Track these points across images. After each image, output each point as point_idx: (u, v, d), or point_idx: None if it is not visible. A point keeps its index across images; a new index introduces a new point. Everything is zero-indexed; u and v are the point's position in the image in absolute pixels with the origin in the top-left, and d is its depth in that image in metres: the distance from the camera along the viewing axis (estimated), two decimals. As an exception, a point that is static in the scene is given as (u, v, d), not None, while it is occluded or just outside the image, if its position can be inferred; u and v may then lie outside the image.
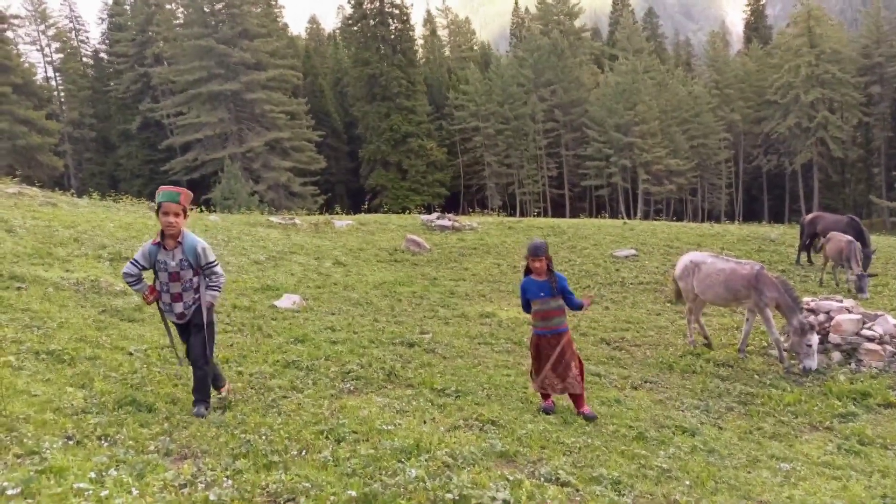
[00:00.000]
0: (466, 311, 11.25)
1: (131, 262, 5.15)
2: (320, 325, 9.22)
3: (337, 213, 26.37)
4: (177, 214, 5.03)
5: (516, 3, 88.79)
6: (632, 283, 14.06)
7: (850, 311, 8.88)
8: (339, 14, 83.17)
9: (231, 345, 7.58)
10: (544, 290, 6.12)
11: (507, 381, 7.13)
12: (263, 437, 4.48)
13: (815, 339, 7.88)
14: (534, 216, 45.59)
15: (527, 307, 6.32)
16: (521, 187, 62.92)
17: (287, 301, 10.57)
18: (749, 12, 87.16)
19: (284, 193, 54.16)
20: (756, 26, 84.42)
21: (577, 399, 6.17)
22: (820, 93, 58.48)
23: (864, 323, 8.60)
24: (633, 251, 17.00)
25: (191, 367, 5.30)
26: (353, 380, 6.56)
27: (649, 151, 57.69)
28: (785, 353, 8.36)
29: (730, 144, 65.09)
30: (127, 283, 5.19)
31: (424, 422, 5.26)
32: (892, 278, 14.24)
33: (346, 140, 67.45)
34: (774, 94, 61.82)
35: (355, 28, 63.52)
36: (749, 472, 4.87)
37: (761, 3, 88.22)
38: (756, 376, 7.98)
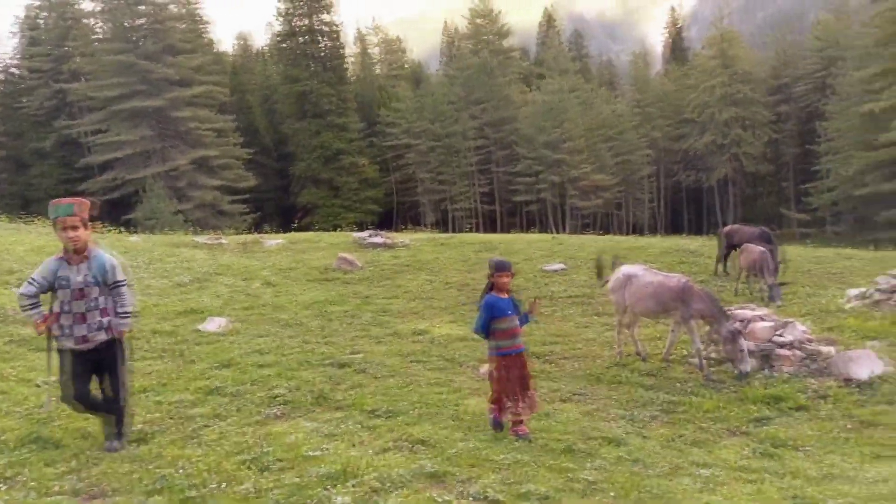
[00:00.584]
0: (399, 329, 11.18)
1: (28, 282, 4.65)
2: (247, 349, 8.96)
3: (267, 232, 25.85)
4: (75, 228, 4.61)
5: (446, 22, 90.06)
6: (561, 297, 14.32)
7: (763, 319, 9.32)
8: (268, 31, 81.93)
9: (150, 373, 7.26)
10: (510, 307, 6.04)
11: (439, 399, 7.10)
12: (181, 471, 4.28)
13: (745, 343, 8.23)
14: (466, 232, 46.02)
15: (485, 327, 6.08)
16: (454, 203, 63.45)
17: (212, 324, 10.23)
18: (668, 35, 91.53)
19: (212, 212, 52.64)
20: (675, 48, 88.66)
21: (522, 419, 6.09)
22: (733, 111, 61.78)
23: (776, 330, 9.05)
24: (562, 265, 17.35)
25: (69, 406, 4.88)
26: (280, 404, 6.39)
27: (577, 167, 59.35)
28: (704, 362, 8.68)
29: (652, 160, 67.75)
30: (22, 306, 4.68)
31: (354, 445, 5.17)
32: (800, 286, 15.07)
33: (277, 157, 66.37)
34: (692, 112, 64.92)
35: (285, 45, 62.85)
36: (671, 480, 5.01)
37: (679, 26, 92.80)
38: (678, 385, 8.24)
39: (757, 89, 64.66)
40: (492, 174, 66.00)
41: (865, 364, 8.09)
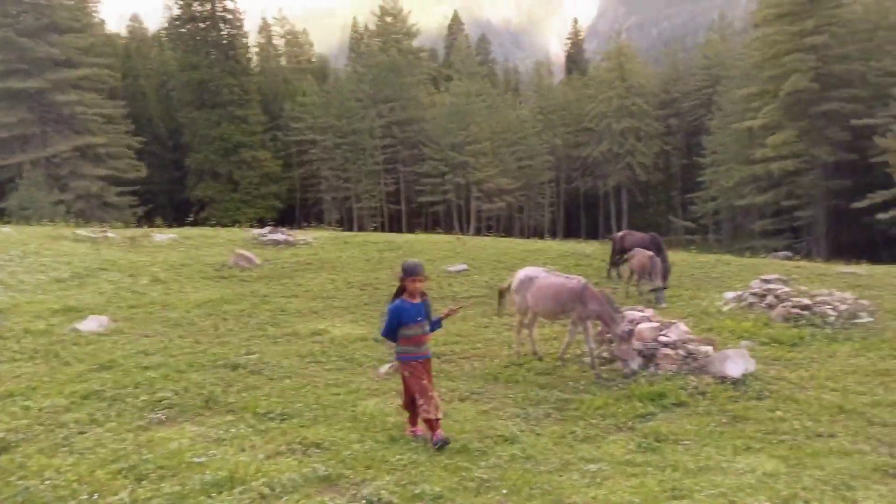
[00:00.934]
0: (298, 328, 10.91)
1: None
2: (131, 350, 8.44)
3: (158, 226, 24.48)
4: None
5: (355, 19, 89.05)
6: (463, 297, 14.48)
7: (649, 320, 9.83)
8: (164, 14, 77.91)
9: (18, 376, 6.68)
10: (420, 313, 5.87)
11: (336, 401, 6.98)
12: (47, 482, 3.95)
13: (635, 343, 8.66)
14: (371, 231, 45.69)
15: (392, 333, 5.95)
16: (359, 202, 62.85)
17: (92, 323, 9.56)
18: (569, 45, 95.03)
19: (97, 204, 49.27)
20: (575, 59, 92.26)
21: (419, 421, 6.03)
22: (629, 122, 65.00)
23: (660, 330, 9.56)
24: (464, 266, 17.56)
25: None
26: (165, 408, 6.05)
27: (481, 170, 60.41)
28: (596, 361, 9.03)
29: (552, 166, 70.07)
30: None
31: (243, 450, 4.97)
32: (684, 290, 16.03)
33: (172, 148, 63.16)
34: (591, 121, 67.76)
35: (183, 30, 59.92)
36: (561, 476, 5.17)
37: (580, 37, 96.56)
38: (571, 383, 8.53)
39: (650, 102, 68.39)
40: (398, 173, 65.94)
41: (739, 362, 8.70)
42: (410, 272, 5.86)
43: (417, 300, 5.90)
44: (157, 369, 7.45)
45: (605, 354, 9.65)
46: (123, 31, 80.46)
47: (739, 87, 55.60)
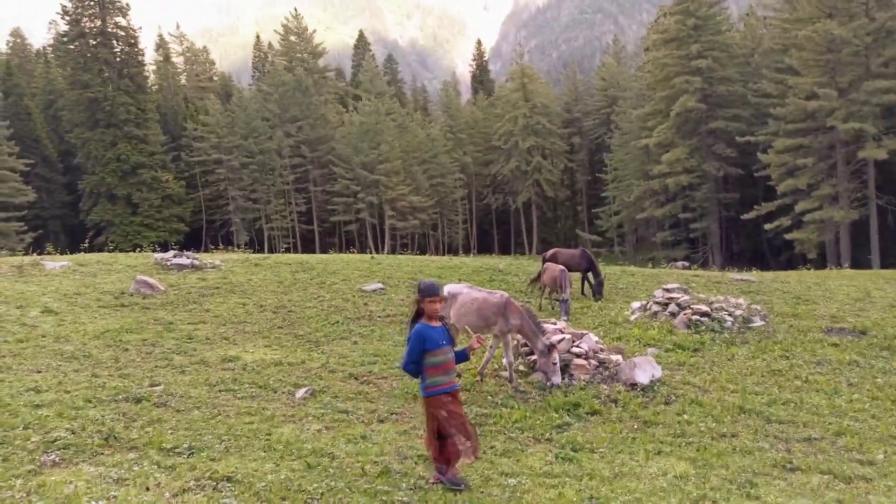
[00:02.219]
0: (206, 356, 10.40)
1: None
2: (20, 387, 7.77)
3: (50, 253, 22.87)
4: None
5: (258, 37, 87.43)
6: (379, 316, 14.34)
7: (562, 332, 10.10)
8: (51, 29, 73.49)
9: None
10: (444, 337, 5.32)
11: (249, 430, 6.69)
12: (-80, 541, 3.55)
13: (557, 357, 8.80)
14: (282, 252, 44.61)
15: (415, 363, 5.28)
16: (269, 222, 61.32)
17: (-27, 361, 8.74)
18: (475, 66, 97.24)
19: (-22, 231, 45.57)
20: (481, 79, 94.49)
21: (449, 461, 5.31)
22: (534, 141, 67.12)
23: (573, 342, 9.84)
24: (380, 285, 17.42)
25: None
26: (59, 449, 5.59)
27: (394, 189, 60.47)
28: (514, 374, 9.15)
29: (464, 184, 71.19)
30: None
31: (147, 489, 4.66)
32: (593, 301, 16.61)
33: (63, 170, 59.45)
34: (498, 140, 69.48)
35: (72, 46, 56.73)
36: (481, 493, 5.17)
37: (485, 59, 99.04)
38: (490, 397, 8.60)
39: (554, 121, 70.97)
40: (309, 193, 64.93)
41: (647, 369, 9.08)
42: (427, 292, 5.32)
43: (438, 323, 5.38)
44: (49, 407, 6.89)
45: (521, 367, 9.80)
46: (3, 47, 75.25)
47: (635, 108, 58.78)
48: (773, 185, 45.32)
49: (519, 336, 9.57)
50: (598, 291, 16.13)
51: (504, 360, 9.32)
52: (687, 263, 34.95)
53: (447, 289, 9.91)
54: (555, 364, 8.71)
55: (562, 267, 15.32)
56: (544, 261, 18.54)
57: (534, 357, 9.81)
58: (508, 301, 9.14)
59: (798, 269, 32.97)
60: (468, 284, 10.37)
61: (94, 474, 4.95)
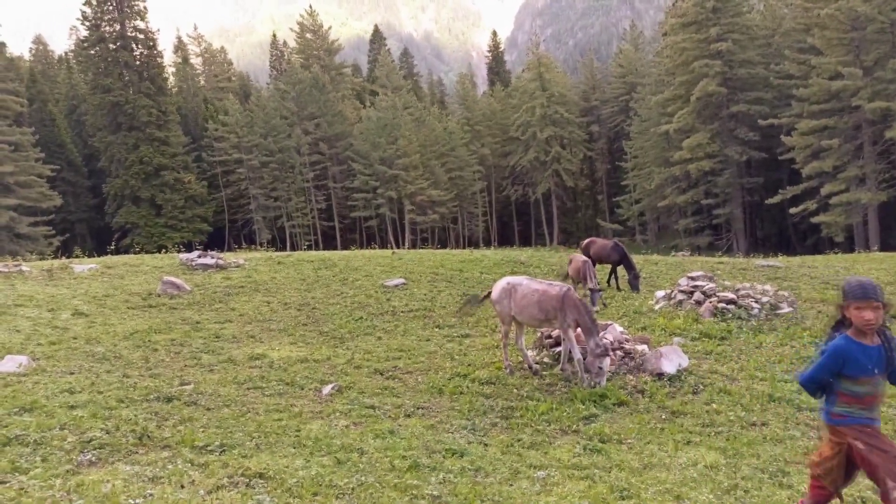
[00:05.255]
0: (234, 354, 10.55)
1: None
2: (55, 389, 7.95)
3: (77, 257, 23.30)
4: None
5: (274, 36, 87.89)
6: (402, 312, 14.40)
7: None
8: (71, 35, 74.65)
9: (-73, 427, 6.17)
10: (876, 362, 3.80)
11: (278, 427, 6.77)
12: (-32, 541, 3.66)
13: (607, 361, 8.40)
14: (304, 249, 44.95)
15: (818, 382, 3.98)
16: (291, 220, 61.79)
17: (10, 364, 8.97)
18: (490, 57, 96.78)
19: (8, 236, 46.53)
20: (497, 70, 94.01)
21: None
22: (552, 130, 66.69)
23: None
24: (402, 280, 17.49)
25: None
26: (95, 449, 5.72)
27: (412, 183, 60.54)
28: (583, 370, 8.68)
29: (483, 176, 71.03)
30: None
31: (182, 486, 4.75)
32: (617, 290, 16.50)
33: (87, 174, 60.47)
34: (516, 131, 69.15)
35: (93, 52, 57.56)
36: (511, 486, 5.18)
37: (500, 49, 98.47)
38: (515, 390, 8.59)
39: (572, 110, 70.41)
40: (329, 190, 65.27)
41: (673, 359, 9.00)
42: (857, 294, 3.79)
43: (871, 341, 3.83)
44: (84, 408, 7.05)
45: (545, 360, 9.77)
46: (27, 54, 76.58)
47: (654, 94, 58.05)
48: (797, 168, 44.56)
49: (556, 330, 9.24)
50: (634, 286, 16.06)
51: (574, 356, 8.79)
52: (687, 253, 34.43)
53: (507, 280, 9.55)
54: (601, 368, 8.27)
55: (585, 258, 15.24)
56: (580, 249, 18.42)
57: (558, 349, 9.77)
58: (567, 293, 8.70)
59: (825, 254, 32.42)
60: (528, 276, 9.93)
61: (129, 473, 5.06)
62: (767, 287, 13.15)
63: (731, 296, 12.33)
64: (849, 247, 40.08)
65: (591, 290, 13.71)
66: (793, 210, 44.81)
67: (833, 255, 27.43)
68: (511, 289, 9.31)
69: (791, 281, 16.46)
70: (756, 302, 12.15)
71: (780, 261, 21.94)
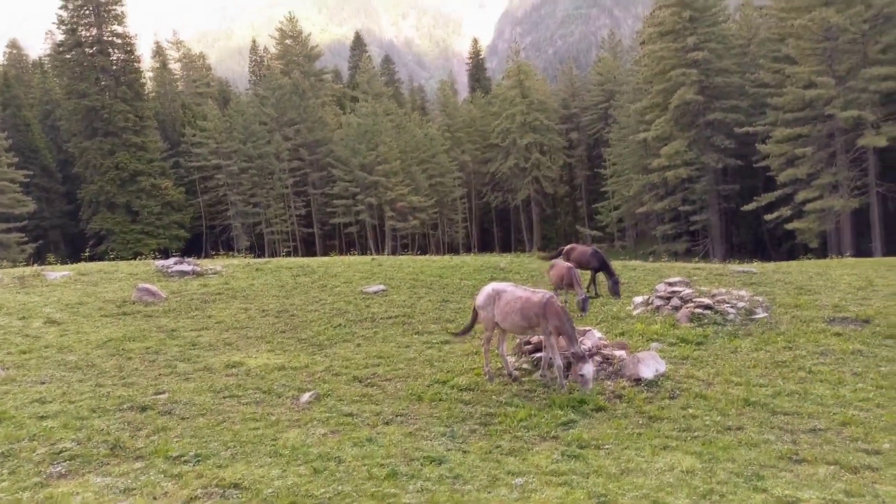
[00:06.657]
0: (210, 362, 10.43)
1: None
2: (25, 399, 7.79)
3: (51, 263, 22.89)
4: None
5: (254, 41, 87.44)
6: (382, 318, 14.33)
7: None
8: (47, 39, 73.52)
9: None
10: None
11: (255, 436, 6.70)
12: (-70, 557, 3.55)
13: (588, 370, 8.42)
14: (283, 256, 44.62)
15: None
16: (270, 227, 61.32)
17: (-22, 374, 8.77)
18: (471, 65, 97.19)
19: (-20, 243, 45.62)
20: (478, 77, 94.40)
21: None
22: (532, 137, 67.05)
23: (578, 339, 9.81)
24: (382, 286, 17.41)
25: None
26: (66, 460, 5.61)
27: (393, 189, 60.43)
28: (561, 376, 8.76)
29: (463, 183, 71.14)
30: None
31: (155, 498, 4.67)
32: (595, 296, 16.58)
33: (62, 180, 59.47)
34: (496, 137, 69.42)
35: (69, 56, 56.74)
36: (489, 493, 5.17)
37: (481, 57, 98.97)
38: (495, 397, 8.59)
39: (551, 117, 70.88)
40: (308, 196, 64.94)
41: (651, 364, 9.06)
42: None
43: None
44: (55, 418, 6.91)
45: (524, 366, 9.79)
46: (1, 58, 75.28)
47: (632, 102, 58.67)
48: (772, 176, 45.25)
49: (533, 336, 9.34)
50: (614, 291, 16.13)
51: (555, 363, 8.85)
52: (652, 259, 34.67)
53: (493, 286, 9.55)
54: (582, 375, 8.33)
55: (569, 265, 15.25)
56: (561, 255, 18.38)
57: (538, 355, 9.79)
58: (549, 301, 8.74)
59: (799, 259, 32.93)
60: (512, 283, 9.92)
61: (101, 485, 4.97)
62: (743, 292, 13.32)
63: (707, 301, 12.45)
64: (822, 253, 40.73)
65: (581, 297, 13.72)
66: (768, 217, 45.47)
67: (807, 261, 27.86)
68: (496, 295, 9.31)
69: (766, 286, 16.68)
70: (732, 307, 12.29)
71: (755, 266, 22.22)
